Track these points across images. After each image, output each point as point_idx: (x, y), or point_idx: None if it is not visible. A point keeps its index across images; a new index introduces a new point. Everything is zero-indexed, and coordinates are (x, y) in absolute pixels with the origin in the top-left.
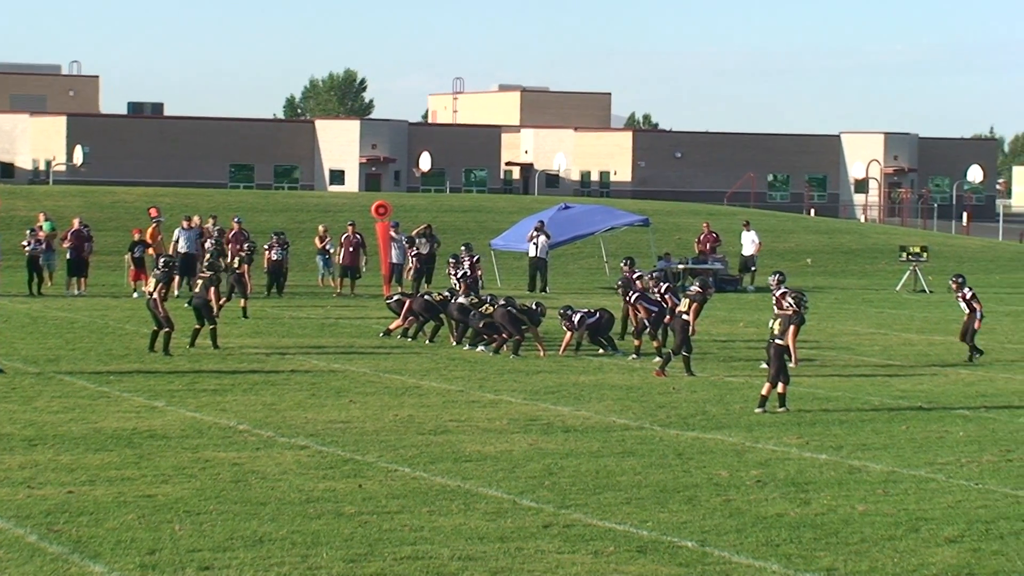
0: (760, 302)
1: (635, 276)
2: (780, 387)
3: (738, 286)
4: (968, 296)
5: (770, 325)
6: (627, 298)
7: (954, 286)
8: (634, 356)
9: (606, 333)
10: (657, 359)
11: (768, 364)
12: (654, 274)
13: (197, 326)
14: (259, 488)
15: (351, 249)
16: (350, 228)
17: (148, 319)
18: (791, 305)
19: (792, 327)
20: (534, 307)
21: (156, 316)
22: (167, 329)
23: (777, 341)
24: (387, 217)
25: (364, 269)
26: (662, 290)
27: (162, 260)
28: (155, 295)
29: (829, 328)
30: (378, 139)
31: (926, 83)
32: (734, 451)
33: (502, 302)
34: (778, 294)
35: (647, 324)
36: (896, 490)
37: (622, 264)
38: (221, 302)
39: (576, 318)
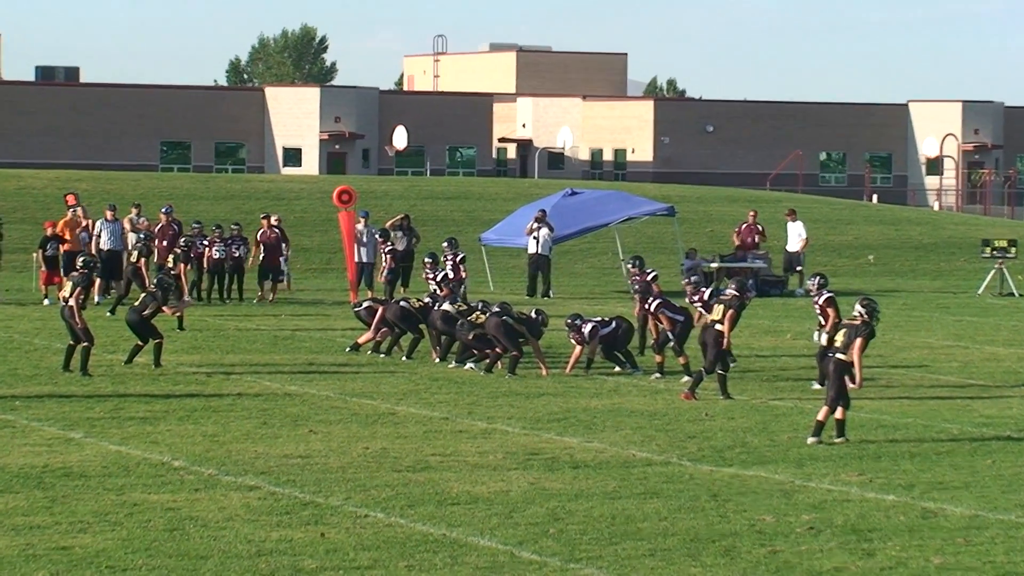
0: (811, 308)
1: (650, 277)
2: (839, 412)
3: (784, 289)
4: None
5: (816, 338)
6: (646, 306)
7: None
8: (657, 375)
9: (623, 347)
10: (685, 379)
11: (823, 384)
12: (693, 278)
13: (139, 343)
14: (199, 538)
15: (271, 246)
16: (264, 222)
17: (63, 331)
18: (860, 314)
19: (859, 340)
20: (534, 316)
21: (73, 328)
22: (86, 343)
23: (839, 356)
24: (352, 205)
25: (287, 269)
26: (705, 296)
27: (81, 260)
28: (72, 302)
29: (896, 340)
30: (342, 111)
31: (1013, 41)
32: (781, 491)
33: (495, 310)
34: (821, 301)
35: (670, 336)
36: (980, 538)
37: (628, 265)
38: (165, 311)
39: (587, 329)
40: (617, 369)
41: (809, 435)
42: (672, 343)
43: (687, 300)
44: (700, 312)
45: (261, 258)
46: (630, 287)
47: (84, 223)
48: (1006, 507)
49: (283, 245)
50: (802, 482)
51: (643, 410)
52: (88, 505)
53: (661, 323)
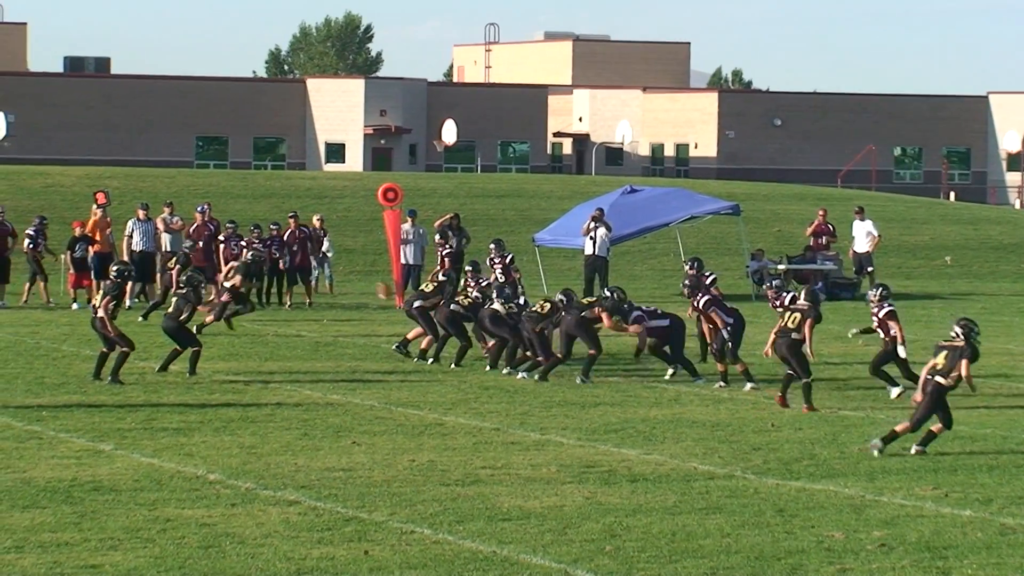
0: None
1: (709, 280)
2: (936, 427)
3: (855, 292)
4: None
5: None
6: (695, 303)
7: None
8: (720, 384)
9: (678, 347)
10: (749, 386)
11: (919, 401)
12: (775, 283)
13: (177, 348)
14: (235, 556)
15: (294, 248)
16: (292, 221)
17: (93, 337)
18: (959, 335)
19: (963, 361)
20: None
21: (106, 336)
22: (125, 348)
23: (939, 380)
24: (398, 204)
25: (329, 272)
26: (785, 302)
27: (115, 268)
28: (101, 312)
29: None
30: (388, 103)
31: None
32: (851, 506)
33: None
34: (881, 315)
35: (726, 337)
36: None
37: (687, 267)
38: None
39: (634, 315)
40: (670, 372)
41: (875, 438)
42: (728, 349)
43: (770, 305)
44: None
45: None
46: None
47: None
48: None
49: (310, 245)
50: (873, 496)
51: (705, 420)
52: (119, 521)
53: (713, 322)
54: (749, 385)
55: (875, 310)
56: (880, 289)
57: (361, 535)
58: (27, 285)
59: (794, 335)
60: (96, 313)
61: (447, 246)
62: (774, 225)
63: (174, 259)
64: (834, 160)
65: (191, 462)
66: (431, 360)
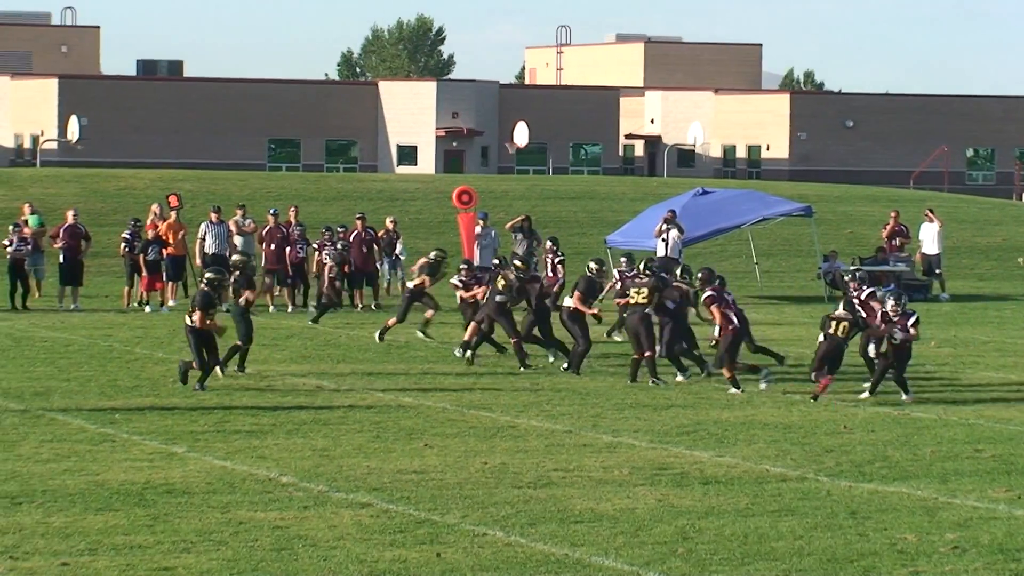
0: (957, 314)
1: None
2: None
3: (928, 294)
4: None
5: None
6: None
7: None
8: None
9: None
10: (733, 391)
11: None
12: (858, 274)
13: (238, 342)
14: (308, 558)
15: (363, 250)
16: (359, 223)
17: (164, 340)
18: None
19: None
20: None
21: (199, 347)
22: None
23: None
24: (473, 207)
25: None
26: (863, 296)
27: (207, 276)
28: (193, 322)
29: None
30: (460, 106)
31: None
32: (924, 508)
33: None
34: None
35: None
36: None
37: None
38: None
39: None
40: (699, 372)
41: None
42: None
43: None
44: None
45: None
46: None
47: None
48: None
49: (376, 247)
50: (946, 499)
51: (777, 422)
52: (191, 523)
53: (712, 317)
54: (733, 390)
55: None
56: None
57: (433, 537)
58: (126, 288)
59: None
60: (191, 322)
61: (557, 253)
62: (846, 227)
63: (330, 262)
64: (906, 161)
65: (263, 465)
66: (469, 351)
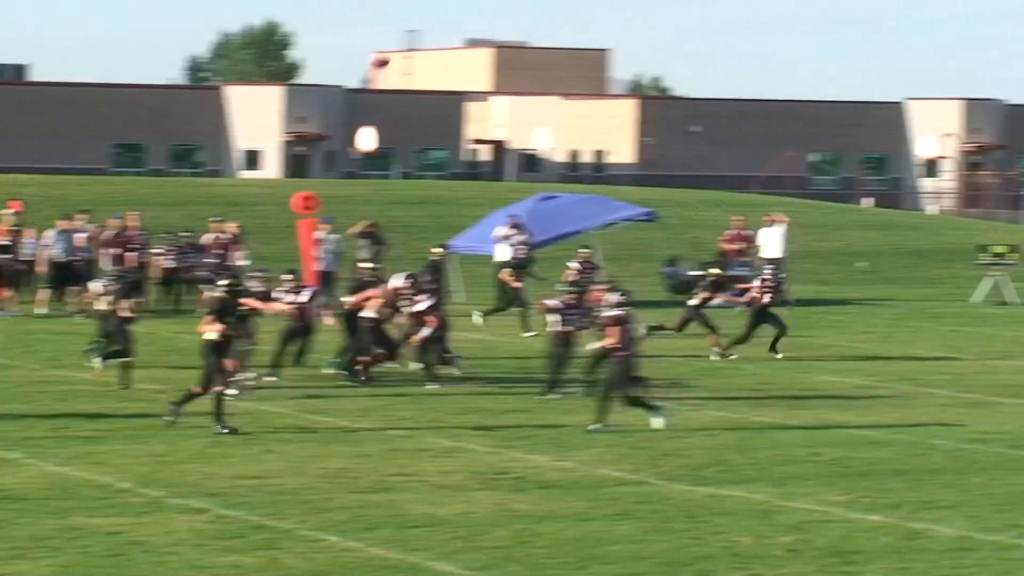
0: (798, 318)
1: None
2: None
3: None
4: None
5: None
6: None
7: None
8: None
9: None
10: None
11: None
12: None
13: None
14: (143, 564)
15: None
16: (217, 227)
17: (5, 345)
18: None
19: None
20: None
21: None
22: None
23: None
24: (315, 212)
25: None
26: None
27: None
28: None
29: (885, 351)
30: (308, 111)
31: (1016, 35)
32: (760, 512)
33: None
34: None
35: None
36: (969, 560)
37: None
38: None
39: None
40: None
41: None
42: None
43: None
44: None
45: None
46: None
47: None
48: (997, 527)
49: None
50: (783, 502)
51: (616, 427)
52: (26, 530)
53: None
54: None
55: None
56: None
57: (270, 543)
58: None
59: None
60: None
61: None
62: (690, 231)
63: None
64: (752, 166)
65: (101, 470)
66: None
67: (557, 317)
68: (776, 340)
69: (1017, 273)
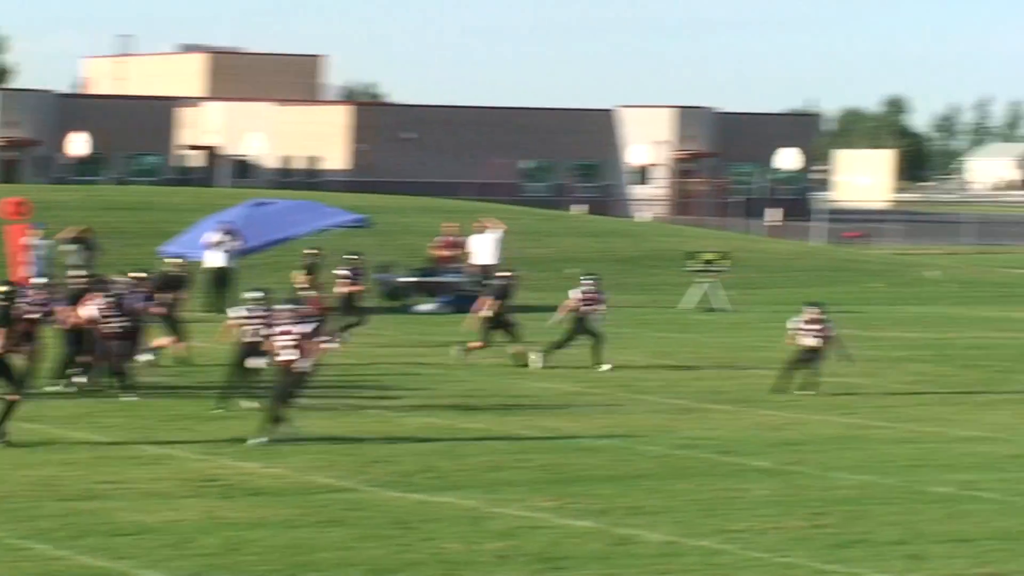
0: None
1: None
2: None
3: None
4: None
5: None
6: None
7: (811, 318)
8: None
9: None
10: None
11: None
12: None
13: None
14: None
15: None
16: None
17: None
18: None
19: None
20: None
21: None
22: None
23: None
24: (25, 218)
25: None
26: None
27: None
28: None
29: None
30: (20, 115)
31: (726, 44)
32: (470, 518)
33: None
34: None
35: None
36: (677, 565)
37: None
38: None
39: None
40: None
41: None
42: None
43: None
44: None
45: None
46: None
47: None
48: (705, 532)
49: None
50: (492, 508)
51: (327, 433)
52: None
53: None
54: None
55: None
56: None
57: None
58: None
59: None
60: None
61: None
62: (403, 238)
63: None
64: (466, 173)
65: None
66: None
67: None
68: (595, 350)
69: (727, 280)
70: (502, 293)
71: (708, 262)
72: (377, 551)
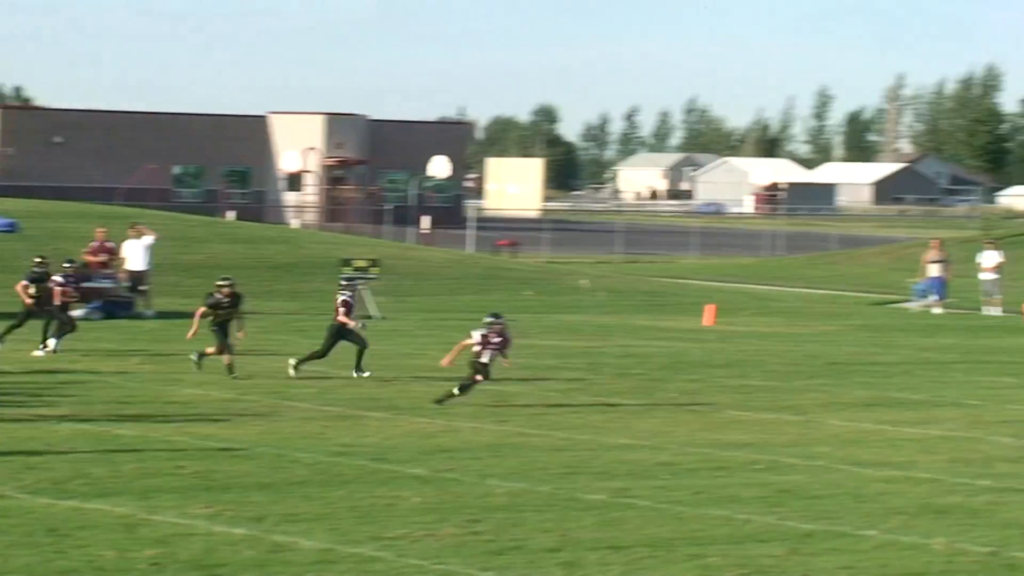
0: (161, 331)
1: None
2: None
3: (133, 310)
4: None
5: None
6: None
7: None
8: None
9: None
10: None
11: None
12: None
13: None
14: None
15: None
16: None
17: None
18: None
19: None
20: None
21: None
22: None
23: None
24: None
25: None
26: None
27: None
28: None
29: (250, 366)
30: None
31: (376, 49)
32: (124, 525)
33: None
34: None
35: None
36: (332, 573)
37: None
38: None
39: None
40: None
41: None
42: None
43: None
44: None
45: None
46: None
47: None
48: (360, 539)
49: None
50: (147, 515)
51: None
52: None
53: None
54: None
55: None
56: None
57: None
58: None
59: None
60: None
61: None
62: (54, 243)
63: None
64: (117, 178)
65: None
66: None
67: None
68: (359, 357)
69: (377, 287)
70: (216, 302)
71: (360, 269)
72: (30, 559)
